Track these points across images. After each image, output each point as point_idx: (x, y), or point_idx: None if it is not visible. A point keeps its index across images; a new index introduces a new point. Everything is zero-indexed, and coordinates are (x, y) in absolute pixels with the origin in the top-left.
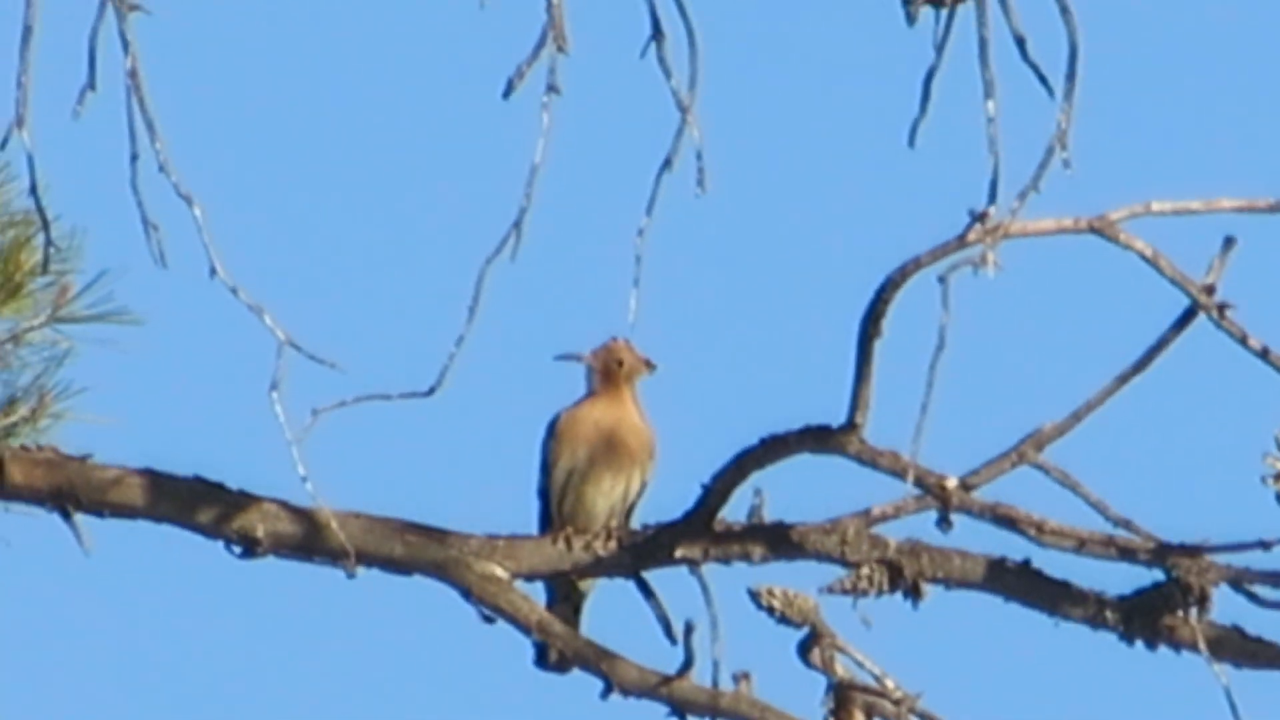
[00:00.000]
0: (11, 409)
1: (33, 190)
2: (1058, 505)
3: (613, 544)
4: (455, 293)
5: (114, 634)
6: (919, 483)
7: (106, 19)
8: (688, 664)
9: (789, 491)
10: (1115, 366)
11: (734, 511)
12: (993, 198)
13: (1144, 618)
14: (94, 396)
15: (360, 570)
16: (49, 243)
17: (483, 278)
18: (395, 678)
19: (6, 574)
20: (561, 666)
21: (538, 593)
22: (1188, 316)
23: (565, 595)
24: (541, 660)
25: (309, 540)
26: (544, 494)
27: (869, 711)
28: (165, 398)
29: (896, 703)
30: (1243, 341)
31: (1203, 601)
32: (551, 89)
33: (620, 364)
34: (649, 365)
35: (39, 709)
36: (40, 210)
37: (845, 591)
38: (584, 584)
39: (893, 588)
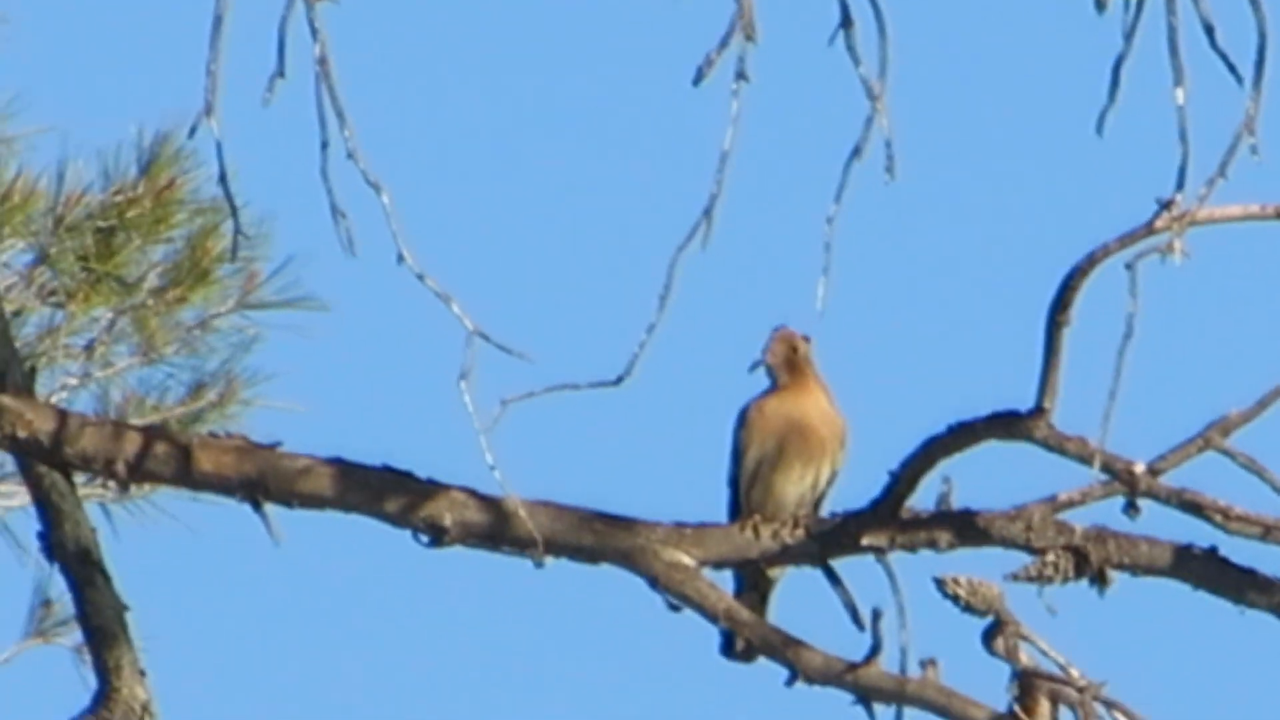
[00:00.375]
0: (199, 394)
1: (222, 179)
2: (1244, 492)
3: (800, 532)
4: (645, 282)
5: (304, 625)
6: (1106, 468)
7: (296, 7)
8: (875, 650)
9: (977, 480)
10: None
11: (921, 500)
12: (1180, 185)
13: None
14: (281, 383)
15: (548, 559)
16: (238, 230)
17: (673, 266)
18: (582, 666)
19: (196, 564)
20: (747, 655)
21: (725, 582)
22: None
23: (753, 584)
24: (727, 649)
25: (496, 529)
26: (734, 482)
27: (1054, 699)
28: (353, 385)
29: (1081, 690)
30: None
31: None
32: (741, 76)
33: (796, 350)
34: (806, 340)
35: (229, 702)
36: (229, 198)
37: (1030, 579)
38: (772, 572)
39: (1078, 574)
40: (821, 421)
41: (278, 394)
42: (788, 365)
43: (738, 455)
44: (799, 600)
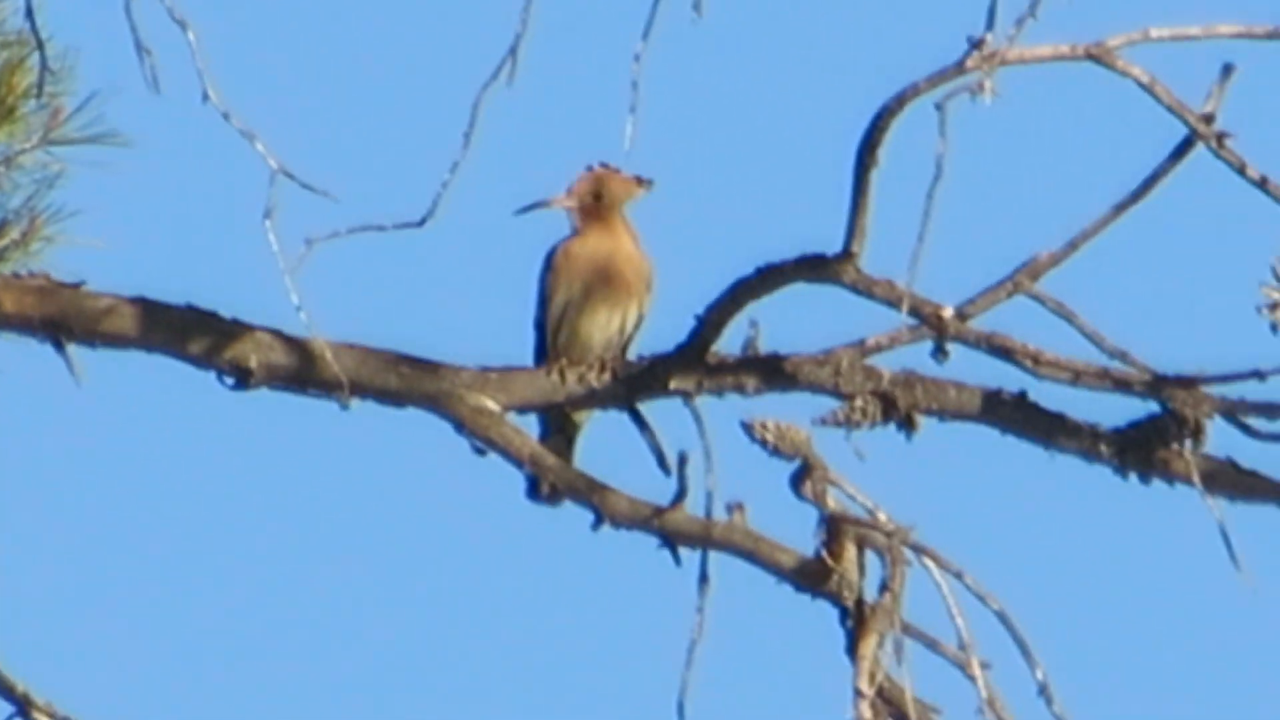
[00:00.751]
0: (2, 233)
1: (28, 12)
2: (1053, 336)
3: (606, 376)
4: (451, 120)
5: (105, 466)
6: (914, 312)
7: None
8: (681, 495)
9: (784, 324)
10: (1112, 195)
11: (729, 343)
12: (990, 24)
13: (1138, 450)
14: (86, 220)
15: (354, 402)
16: (44, 65)
17: (478, 104)
18: (388, 509)
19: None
20: (553, 499)
21: (532, 425)
22: (1186, 145)
23: (559, 428)
24: (534, 492)
25: (303, 371)
26: (540, 326)
27: (860, 543)
28: (157, 223)
29: (889, 535)
30: (1241, 171)
31: (1197, 434)
32: None
33: (599, 196)
34: (641, 183)
35: (28, 542)
36: (35, 31)
37: (838, 423)
38: (578, 417)
39: (886, 419)
40: (627, 264)
41: (82, 231)
42: (584, 212)
43: (544, 299)
44: (606, 444)
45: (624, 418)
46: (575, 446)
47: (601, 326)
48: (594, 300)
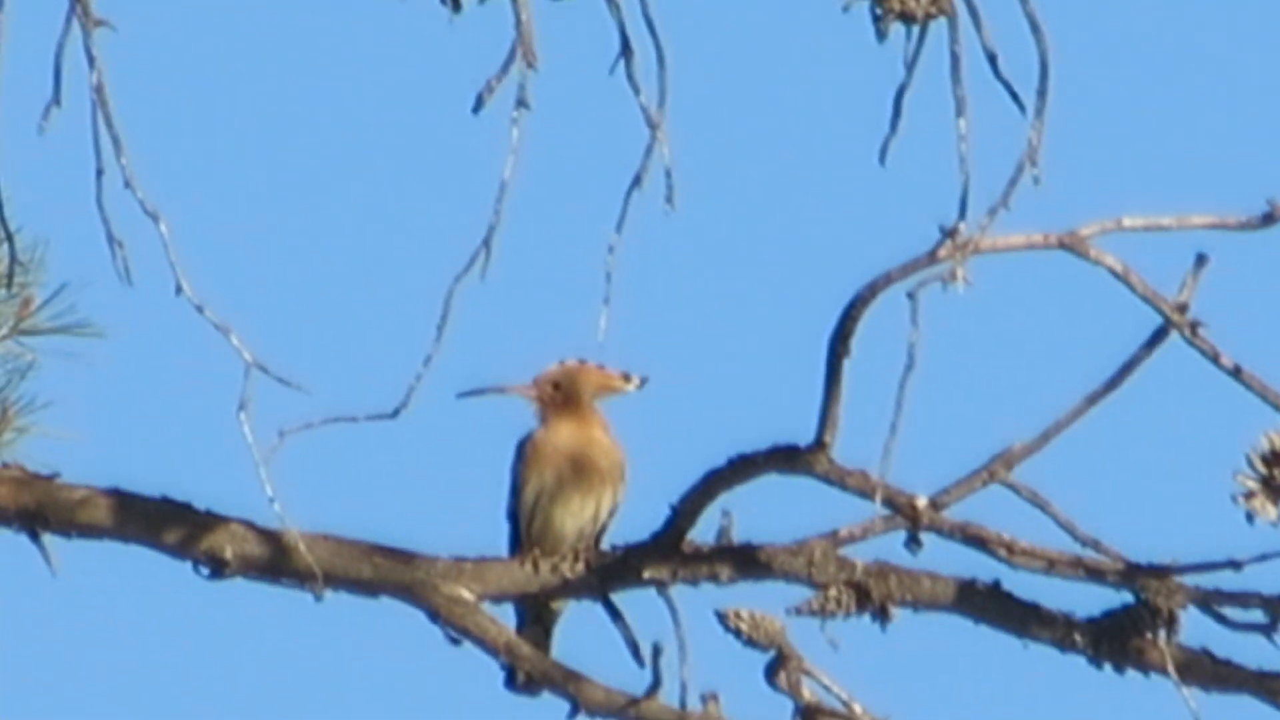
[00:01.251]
0: None
1: None
2: (1027, 525)
3: (580, 566)
4: (423, 312)
5: (82, 655)
6: (888, 502)
7: (72, 33)
8: (655, 685)
9: (757, 513)
10: (1086, 384)
11: (702, 533)
12: (963, 214)
13: (1113, 640)
14: (58, 411)
15: (328, 592)
16: (14, 258)
17: (451, 296)
18: (364, 700)
19: None
20: (531, 688)
21: (508, 615)
22: (1160, 334)
23: (536, 617)
24: (512, 681)
25: (276, 562)
26: (513, 516)
27: None
28: (131, 414)
29: None
30: (1215, 360)
31: (1171, 624)
32: (521, 104)
33: (556, 387)
34: (628, 379)
35: None
36: (4, 224)
37: (812, 613)
38: (555, 605)
39: (860, 609)
40: (600, 454)
41: (54, 422)
42: (546, 403)
43: (516, 489)
44: (583, 633)
45: (599, 607)
46: (553, 635)
47: (574, 514)
48: (566, 489)
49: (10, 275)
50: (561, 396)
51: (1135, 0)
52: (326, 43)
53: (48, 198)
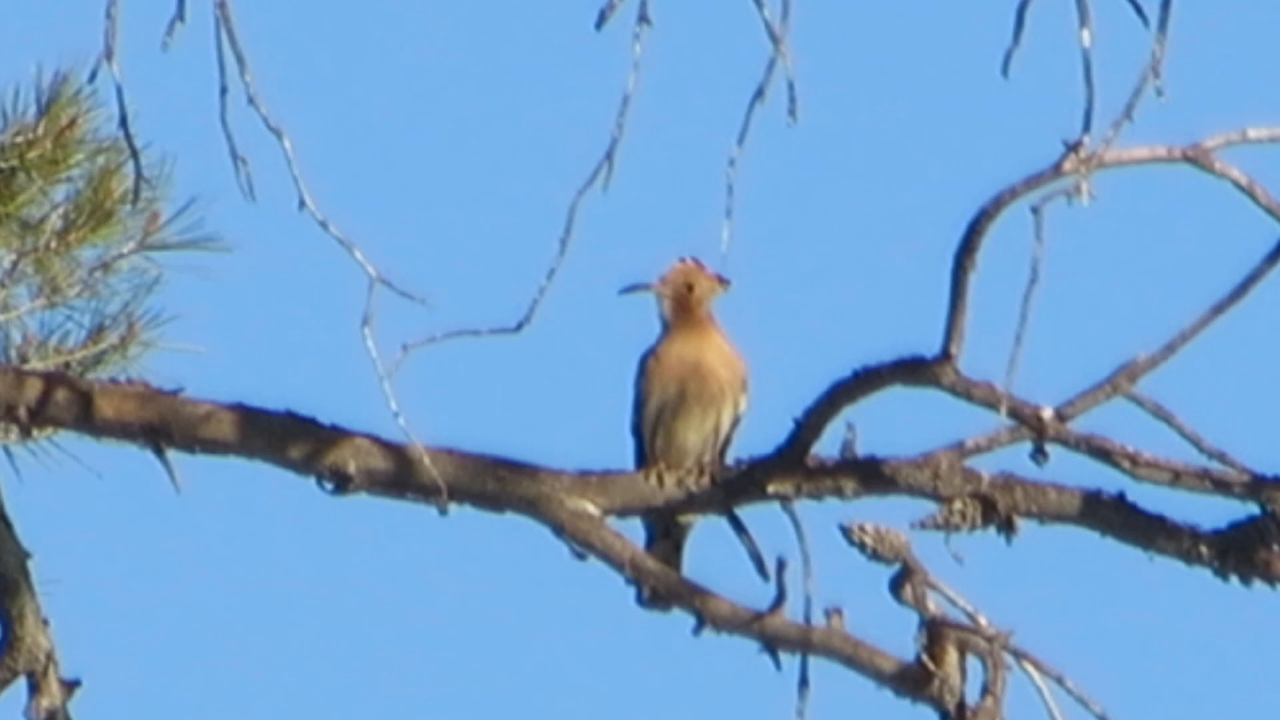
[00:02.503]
0: (100, 337)
1: (122, 123)
2: (1152, 438)
3: (705, 480)
4: (546, 226)
5: (206, 572)
6: (1014, 414)
7: None
8: (780, 600)
9: (882, 426)
10: (1210, 297)
11: (827, 446)
12: (1087, 127)
13: (1239, 552)
14: (183, 325)
15: (452, 507)
16: (139, 174)
17: (574, 210)
18: (486, 613)
19: (98, 509)
20: (660, 604)
21: (636, 530)
22: None
23: (665, 532)
24: (642, 598)
25: (401, 476)
26: (637, 431)
27: (961, 648)
28: (255, 329)
29: (989, 639)
30: None
31: None
32: (643, 20)
33: (690, 288)
34: (722, 282)
35: (131, 648)
36: (130, 142)
37: (937, 527)
38: (683, 520)
39: (985, 522)
40: (720, 364)
41: (179, 336)
42: (677, 302)
43: (639, 403)
44: (710, 548)
45: (723, 522)
46: (682, 551)
47: (696, 428)
48: (688, 402)
49: (136, 191)
50: (690, 298)
51: None
52: None
53: (174, 115)
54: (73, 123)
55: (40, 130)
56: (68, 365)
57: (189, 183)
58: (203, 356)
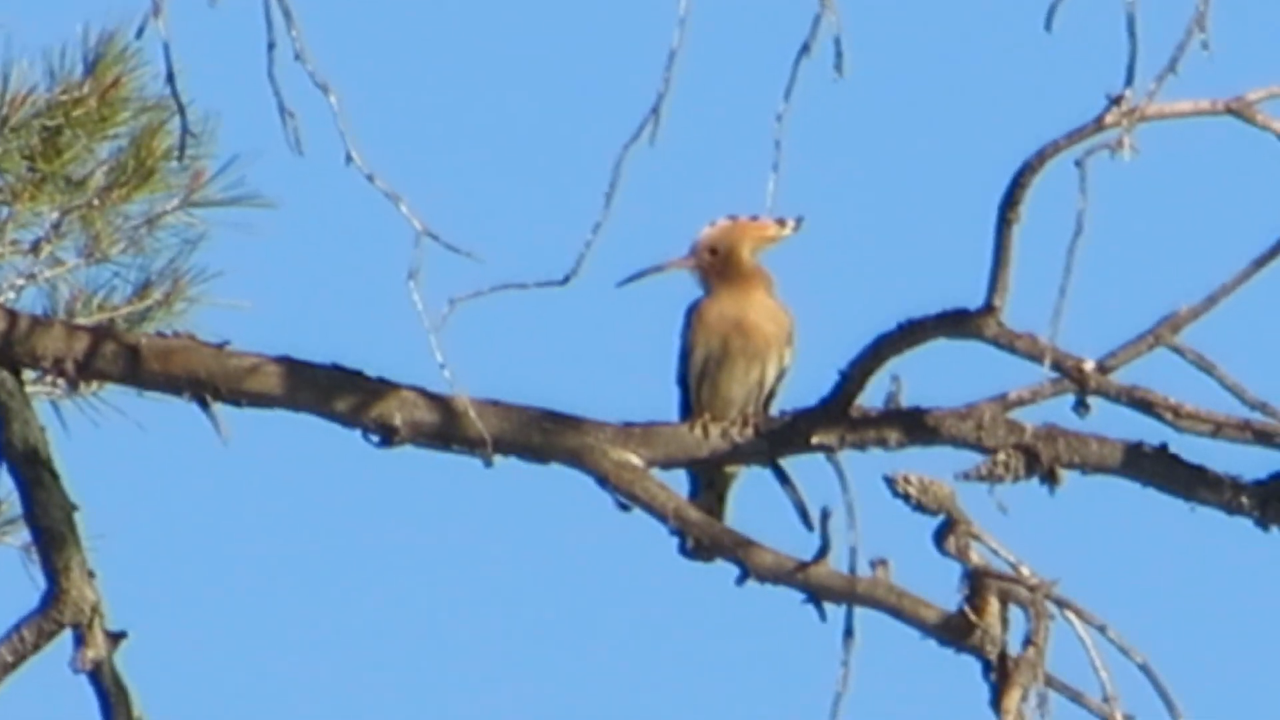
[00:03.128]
0: (146, 293)
1: (170, 79)
2: (1195, 389)
3: (749, 431)
4: (593, 179)
5: (252, 524)
6: (1056, 366)
7: None
8: (824, 550)
9: (927, 378)
10: (1252, 249)
11: (871, 398)
12: (1130, 80)
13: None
14: (229, 281)
15: (497, 458)
16: (185, 130)
17: (620, 164)
18: (532, 565)
19: (144, 462)
20: (704, 554)
21: (681, 481)
22: None
23: (709, 483)
24: (685, 548)
25: (446, 428)
26: (682, 382)
27: (1004, 598)
28: (301, 283)
29: (1032, 589)
30: None
31: None
32: None
33: (714, 252)
34: (783, 224)
35: (176, 600)
36: (177, 99)
37: (981, 478)
38: (728, 471)
39: (1029, 473)
40: (765, 317)
41: (225, 292)
42: (710, 269)
43: (685, 355)
44: (754, 499)
45: (767, 473)
46: (726, 502)
47: (740, 380)
48: (732, 354)
49: (182, 147)
50: (720, 260)
51: None
52: None
53: (219, 71)
54: (118, 81)
55: (86, 89)
56: (113, 321)
57: (232, 140)
58: (248, 312)
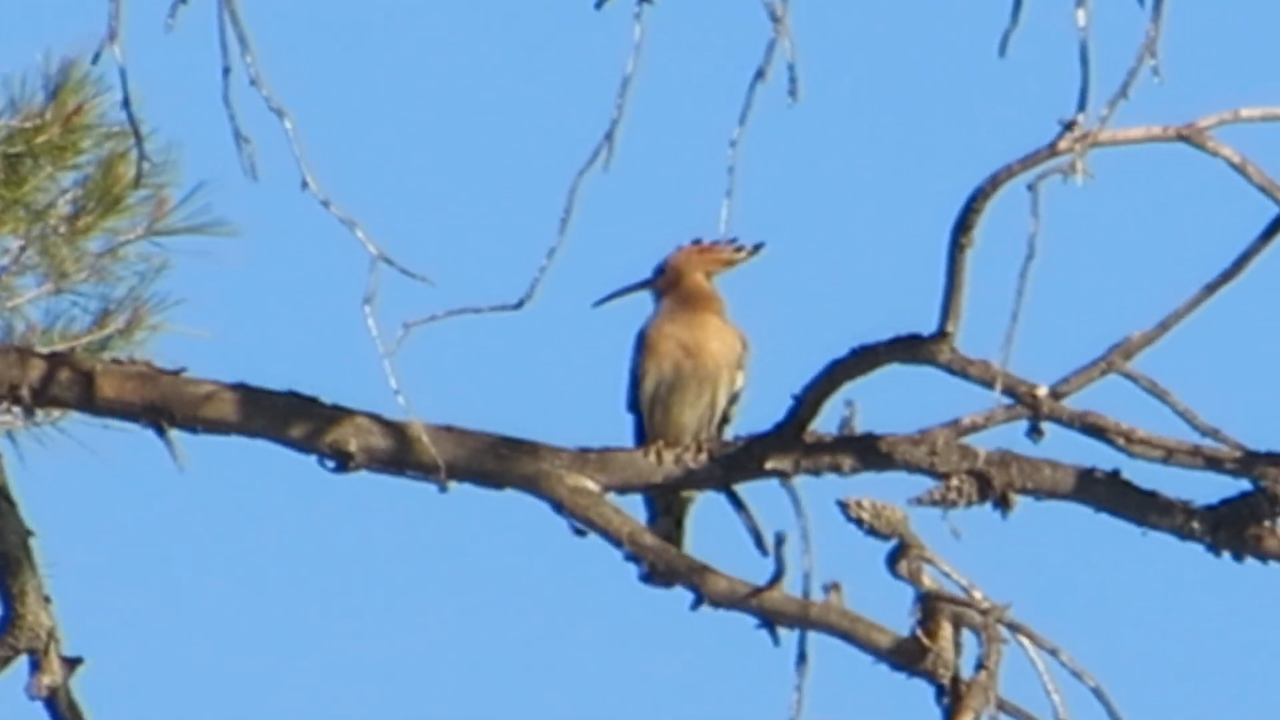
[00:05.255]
0: (106, 322)
1: (125, 104)
2: (1147, 415)
3: (703, 456)
4: (547, 205)
5: (208, 550)
6: (1009, 391)
7: None
8: (778, 575)
9: (881, 403)
10: (1204, 275)
11: (825, 423)
12: (1082, 106)
13: (1231, 528)
14: (190, 309)
15: (452, 484)
16: (142, 155)
17: (574, 190)
18: (486, 590)
19: (100, 489)
20: (664, 580)
21: (637, 506)
22: (1277, 224)
23: (666, 508)
24: (645, 574)
25: (401, 454)
26: (634, 408)
27: (957, 622)
28: (259, 311)
29: (984, 613)
30: None
31: None
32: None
33: (672, 274)
34: (739, 250)
35: (132, 626)
36: (133, 122)
37: (934, 503)
38: (684, 497)
39: (982, 498)
40: (713, 338)
41: (185, 320)
42: (667, 286)
43: (636, 381)
44: (710, 523)
45: (722, 499)
46: (684, 527)
47: (692, 404)
48: (683, 377)
49: (139, 172)
50: (670, 283)
51: None
52: None
53: (181, 102)
54: (80, 108)
55: (48, 116)
56: (73, 351)
57: (196, 169)
58: (208, 341)
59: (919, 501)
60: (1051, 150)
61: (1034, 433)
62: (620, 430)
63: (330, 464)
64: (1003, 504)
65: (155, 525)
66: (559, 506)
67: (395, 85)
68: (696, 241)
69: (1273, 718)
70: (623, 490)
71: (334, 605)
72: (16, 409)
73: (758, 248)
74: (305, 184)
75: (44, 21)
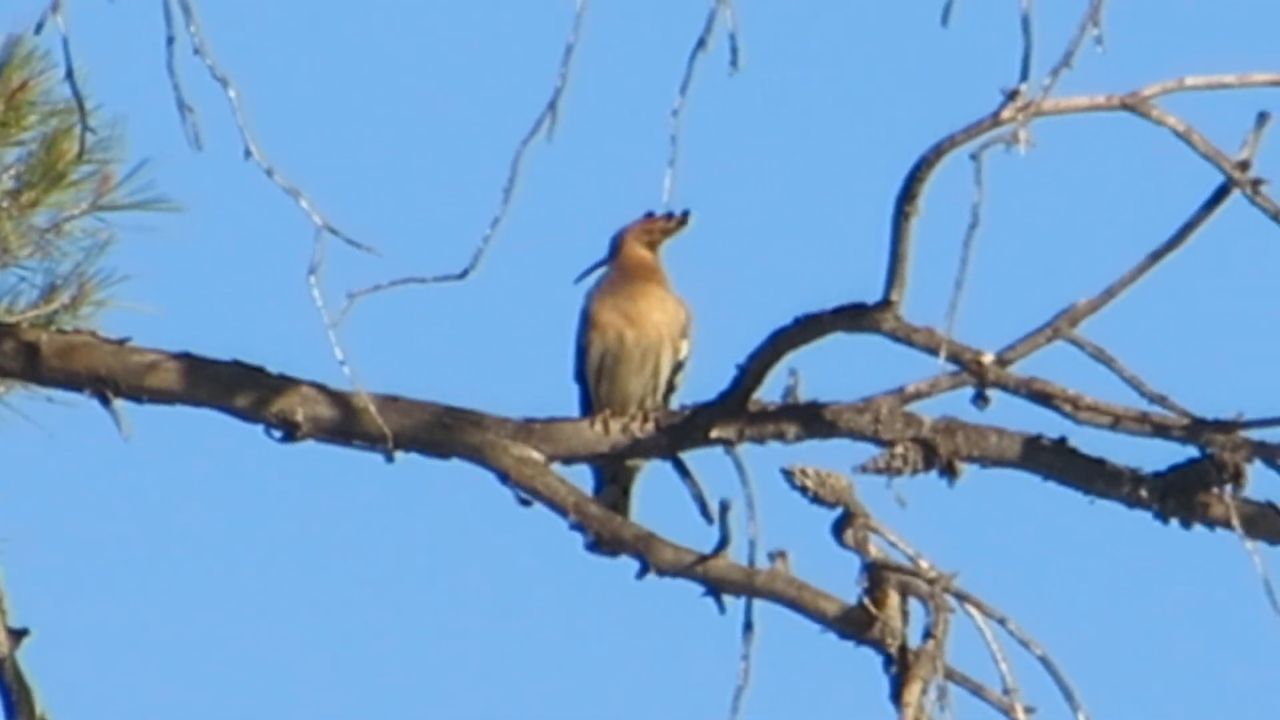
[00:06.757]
0: (52, 297)
1: (69, 75)
2: (1093, 382)
3: (649, 425)
4: (491, 175)
5: (154, 520)
6: (954, 358)
7: None
8: (724, 543)
9: (825, 371)
10: (1149, 243)
11: (769, 392)
12: (1025, 75)
13: (1179, 495)
14: (135, 284)
15: (398, 454)
16: (85, 129)
17: (518, 160)
18: (432, 560)
19: (45, 458)
20: (611, 549)
21: (584, 476)
22: (1221, 192)
23: (613, 477)
24: (591, 542)
25: (347, 424)
26: (581, 378)
27: (904, 591)
28: (206, 284)
29: (931, 582)
30: (1276, 217)
31: (1237, 478)
32: None
33: (631, 248)
34: (672, 219)
35: (78, 596)
36: (76, 94)
37: (879, 471)
38: (631, 466)
39: (927, 466)
40: (655, 308)
41: (132, 295)
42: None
43: (581, 352)
44: (650, 493)
45: (668, 467)
46: (630, 496)
47: (637, 373)
48: (627, 347)
49: (82, 148)
50: (632, 256)
51: None
52: None
53: (128, 75)
54: (24, 85)
55: None
56: (18, 325)
57: (142, 143)
58: (155, 315)
59: (864, 469)
60: (995, 120)
61: (979, 400)
62: (568, 400)
63: (277, 434)
64: (949, 472)
65: (101, 495)
66: (504, 476)
67: (339, 55)
68: (649, 215)
69: (1221, 685)
70: (568, 460)
71: (281, 575)
72: None
73: (685, 215)
74: (249, 153)
75: None
